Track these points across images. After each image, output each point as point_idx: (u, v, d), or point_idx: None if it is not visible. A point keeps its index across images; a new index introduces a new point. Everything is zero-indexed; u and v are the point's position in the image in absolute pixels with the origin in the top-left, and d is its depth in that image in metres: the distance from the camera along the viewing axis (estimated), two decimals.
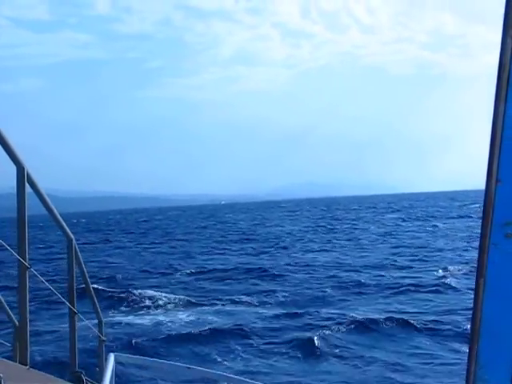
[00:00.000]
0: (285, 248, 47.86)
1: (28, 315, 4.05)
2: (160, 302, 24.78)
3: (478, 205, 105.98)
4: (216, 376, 8.26)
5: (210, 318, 21.64)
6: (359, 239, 53.10)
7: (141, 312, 23.26)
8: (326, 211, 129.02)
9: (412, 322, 19.58)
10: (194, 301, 24.95)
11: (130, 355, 9.85)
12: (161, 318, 21.89)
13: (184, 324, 20.73)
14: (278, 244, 51.69)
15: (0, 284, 25.99)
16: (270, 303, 24.17)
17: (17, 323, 4.44)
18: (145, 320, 21.57)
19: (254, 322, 20.48)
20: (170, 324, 20.75)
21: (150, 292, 26.94)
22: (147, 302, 24.84)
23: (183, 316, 22.07)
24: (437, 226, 64.27)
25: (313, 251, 44.34)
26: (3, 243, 3.82)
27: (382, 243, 48.22)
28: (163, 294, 26.24)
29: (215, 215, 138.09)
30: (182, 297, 25.75)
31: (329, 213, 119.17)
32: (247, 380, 8.44)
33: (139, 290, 27.21)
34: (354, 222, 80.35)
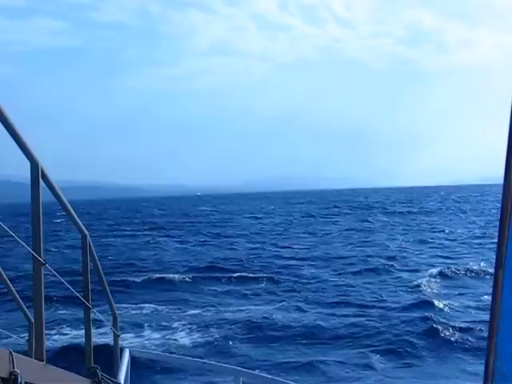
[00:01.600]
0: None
1: (43, 311, 4.06)
2: None
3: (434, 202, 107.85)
4: (231, 370, 8.27)
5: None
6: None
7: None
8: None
9: None
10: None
11: (145, 350, 9.94)
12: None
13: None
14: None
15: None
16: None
17: (32, 319, 4.45)
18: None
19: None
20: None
21: None
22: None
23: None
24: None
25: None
26: (18, 239, 3.82)
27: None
28: None
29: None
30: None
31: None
32: (262, 374, 8.46)
33: None
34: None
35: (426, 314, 20.27)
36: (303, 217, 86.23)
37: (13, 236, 3.77)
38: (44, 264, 3.99)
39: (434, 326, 18.79)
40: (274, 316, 20.63)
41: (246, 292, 26.11)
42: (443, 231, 54.44)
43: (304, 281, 28.68)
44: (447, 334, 18.07)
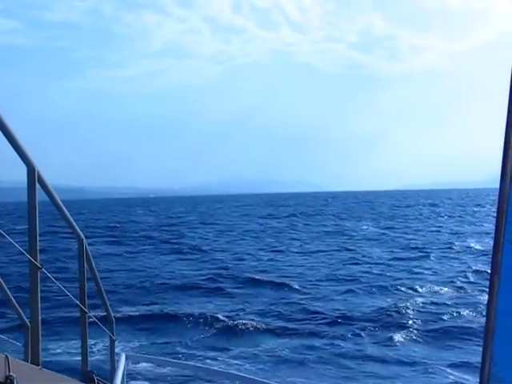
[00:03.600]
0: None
1: (40, 315, 4.06)
2: None
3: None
4: (227, 375, 8.28)
5: None
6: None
7: None
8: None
9: None
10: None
11: (141, 354, 9.92)
12: None
13: None
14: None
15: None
16: None
17: (28, 323, 4.45)
18: None
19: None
20: None
21: None
22: None
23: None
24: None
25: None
26: (14, 243, 3.83)
27: None
28: None
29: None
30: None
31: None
32: (258, 379, 8.45)
33: None
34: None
35: None
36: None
37: (10, 240, 3.77)
38: (40, 268, 3.99)
39: None
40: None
41: None
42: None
43: None
44: None
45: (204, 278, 29.92)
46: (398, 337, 18.32)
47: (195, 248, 44.65)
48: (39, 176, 4.02)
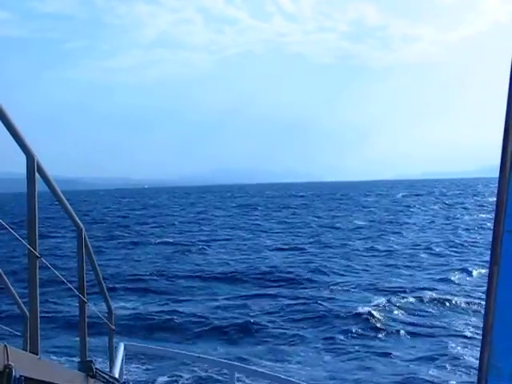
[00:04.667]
0: None
1: (38, 305, 4.06)
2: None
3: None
4: (226, 365, 8.31)
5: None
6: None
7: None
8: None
9: None
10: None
11: (140, 344, 9.95)
12: None
13: None
14: None
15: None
16: None
17: (27, 313, 4.46)
18: None
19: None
20: None
21: None
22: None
23: None
24: None
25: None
26: (14, 233, 3.82)
27: None
28: None
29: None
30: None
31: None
32: (255, 368, 8.50)
33: None
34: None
35: None
36: None
37: (9, 230, 3.77)
38: (39, 257, 3.99)
39: None
40: None
41: None
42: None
43: None
44: None
45: None
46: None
47: None
48: (38, 165, 4.01)
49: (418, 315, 20.00)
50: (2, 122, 3.53)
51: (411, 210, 75.94)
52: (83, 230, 5.32)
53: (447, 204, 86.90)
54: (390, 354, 15.88)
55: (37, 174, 4.03)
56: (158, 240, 45.17)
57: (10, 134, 3.67)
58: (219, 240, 44.65)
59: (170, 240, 45.04)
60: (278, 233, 50.20)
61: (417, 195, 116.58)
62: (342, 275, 27.82)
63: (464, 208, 77.56)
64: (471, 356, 15.00)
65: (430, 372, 14.37)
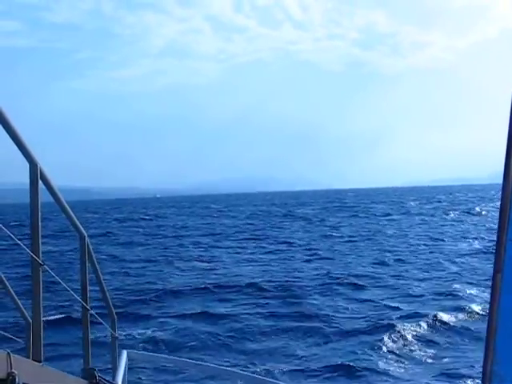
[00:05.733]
0: None
1: (41, 312, 4.06)
2: None
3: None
4: (230, 373, 8.30)
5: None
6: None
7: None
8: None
9: None
10: None
11: (143, 352, 9.94)
12: None
13: None
14: None
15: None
16: None
17: (30, 320, 4.46)
18: None
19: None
20: None
21: None
22: None
23: None
24: None
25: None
26: (17, 240, 3.83)
27: None
28: None
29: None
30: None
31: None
32: (257, 376, 8.47)
33: None
34: None
35: None
36: None
37: (12, 237, 3.78)
38: (42, 265, 3.99)
39: None
40: None
41: None
42: None
43: None
44: None
45: None
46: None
47: None
48: (41, 172, 4.01)
49: None
50: (4, 128, 3.53)
51: None
52: (86, 237, 5.33)
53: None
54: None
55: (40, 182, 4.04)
56: None
57: (12, 140, 3.68)
58: None
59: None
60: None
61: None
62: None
63: None
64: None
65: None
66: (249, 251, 42.61)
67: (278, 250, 42.88)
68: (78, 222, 5.09)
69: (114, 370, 6.93)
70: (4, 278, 4.49)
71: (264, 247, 45.17)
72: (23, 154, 3.84)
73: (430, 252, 38.81)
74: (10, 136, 3.63)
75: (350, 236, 51.64)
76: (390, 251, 39.63)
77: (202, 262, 37.15)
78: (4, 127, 3.52)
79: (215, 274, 31.21)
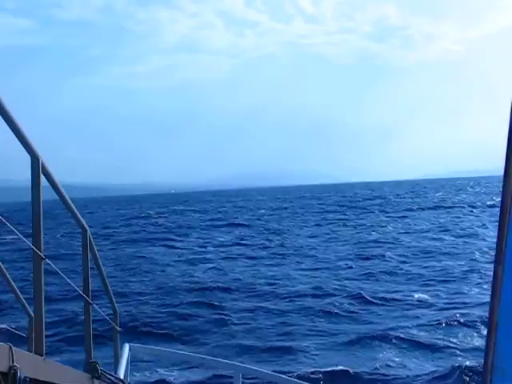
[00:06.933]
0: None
1: (43, 306, 4.07)
2: None
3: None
4: (230, 366, 8.30)
5: None
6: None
7: None
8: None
9: None
10: None
11: (145, 345, 9.94)
12: None
13: None
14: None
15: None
16: None
17: (32, 314, 4.47)
18: None
19: None
20: None
21: None
22: None
23: None
24: None
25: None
26: (19, 234, 3.83)
27: None
28: None
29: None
30: None
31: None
32: (261, 369, 8.47)
33: None
34: None
35: None
36: None
37: (15, 231, 3.78)
38: (44, 259, 4.00)
39: None
40: None
41: None
42: None
43: None
44: None
45: None
46: None
47: None
48: (43, 166, 4.01)
49: None
50: (5, 122, 3.52)
51: None
52: (88, 231, 5.33)
53: None
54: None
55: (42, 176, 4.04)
56: None
57: (14, 134, 3.67)
58: None
59: None
60: None
61: None
62: None
63: None
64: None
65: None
66: None
67: None
68: (80, 216, 5.10)
69: (116, 364, 6.95)
70: (6, 272, 4.49)
71: None
72: (24, 147, 3.84)
73: None
74: (12, 130, 3.62)
75: None
76: None
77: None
78: (6, 122, 3.52)
79: None
